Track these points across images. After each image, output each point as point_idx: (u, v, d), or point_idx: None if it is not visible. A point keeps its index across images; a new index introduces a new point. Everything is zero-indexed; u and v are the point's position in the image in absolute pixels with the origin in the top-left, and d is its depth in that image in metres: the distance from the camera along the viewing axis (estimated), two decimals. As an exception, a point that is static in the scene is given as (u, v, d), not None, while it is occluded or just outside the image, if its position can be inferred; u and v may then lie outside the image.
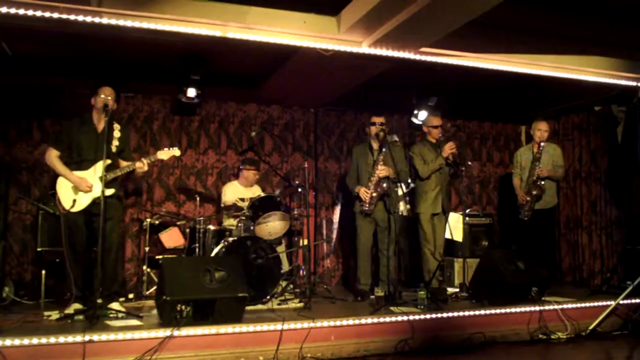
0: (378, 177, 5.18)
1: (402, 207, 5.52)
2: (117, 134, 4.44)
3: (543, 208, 5.62)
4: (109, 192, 4.27)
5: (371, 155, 5.39)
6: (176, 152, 4.60)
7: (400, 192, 5.15)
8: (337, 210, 6.74)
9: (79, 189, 4.29)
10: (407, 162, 5.47)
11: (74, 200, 4.27)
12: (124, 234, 6.06)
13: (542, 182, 5.52)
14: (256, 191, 5.72)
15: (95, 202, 4.27)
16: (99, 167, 4.25)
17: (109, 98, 4.35)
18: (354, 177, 5.45)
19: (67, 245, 4.30)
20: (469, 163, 5.46)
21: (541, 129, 5.69)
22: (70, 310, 4.16)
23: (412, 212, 5.80)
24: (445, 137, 5.56)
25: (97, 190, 4.23)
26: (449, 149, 5.41)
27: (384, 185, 5.17)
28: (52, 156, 4.37)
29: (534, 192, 5.52)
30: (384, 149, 5.18)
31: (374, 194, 5.22)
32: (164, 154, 4.54)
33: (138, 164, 4.39)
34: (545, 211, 5.67)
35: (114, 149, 4.41)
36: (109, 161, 4.27)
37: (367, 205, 5.24)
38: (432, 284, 5.21)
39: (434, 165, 5.42)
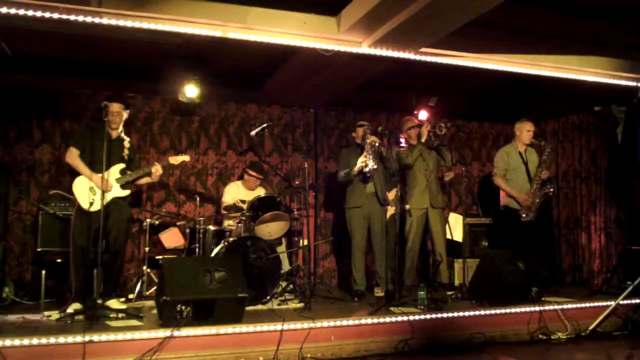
0: (370, 144, 5.19)
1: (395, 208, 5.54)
2: (127, 144, 4.67)
3: None
4: (125, 193, 4.60)
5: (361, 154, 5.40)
6: (186, 157, 4.94)
7: (393, 194, 5.15)
8: None
9: (99, 188, 4.42)
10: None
11: (92, 201, 4.44)
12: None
13: (549, 183, 5.51)
14: (259, 194, 5.69)
15: (112, 202, 4.48)
16: (113, 171, 4.54)
17: (118, 113, 4.58)
18: (346, 168, 5.42)
19: (75, 244, 4.41)
20: (442, 125, 5.41)
21: (530, 130, 5.66)
22: (70, 310, 4.18)
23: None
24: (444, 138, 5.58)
25: (114, 192, 4.53)
26: (425, 129, 5.44)
27: (377, 144, 5.18)
28: (74, 155, 4.55)
29: (545, 191, 5.50)
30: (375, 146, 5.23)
31: (371, 157, 5.20)
32: (175, 159, 4.86)
33: (154, 168, 4.69)
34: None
35: (125, 156, 4.64)
36: (122, 165, 4.60)
37: (368, 163, 5.19)
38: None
39: (415, 150, 5.47)
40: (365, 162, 5.20)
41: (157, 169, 4.70)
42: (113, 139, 4.57)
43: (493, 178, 5.78)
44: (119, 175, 4.57)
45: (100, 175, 4.39)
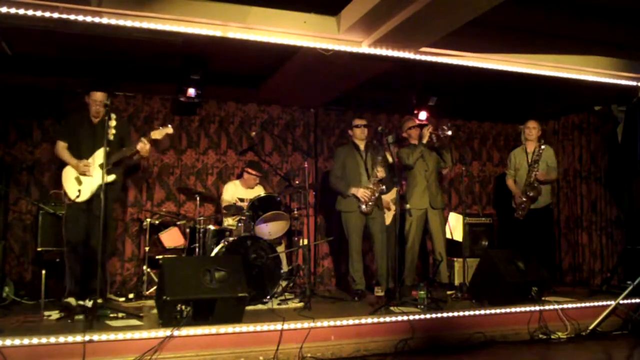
0: (378, 178, 5.21)
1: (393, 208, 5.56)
2: (112, 123, 4.39)
3: (536, 207, 5.67)
4: (110, 178, 4.40)
5: (360, 157, 5.43)
6: (169, 129, 4.64)
7: (393, 195, 5.17)
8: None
9: (79, 171, 4.40)
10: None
11: (79, 191, 4.38)
12: (124, 233, 6.10)
13: (538, 184, 5.55)
14: (258, 192, 5.70)
15: (97, 194, 4.34)
16: (97, 156, 4.41)
17: (100, 102, 4.47)
18: (339, 177, 5.45)
19: (67, 239, 4.39)
20: (449, 132, 5.44)
21: (529, 127, 5.77)
22: (70, 302, 4.20)
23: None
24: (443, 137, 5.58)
25: (99, 178, 4.32)
26: (427, 131, 5.46)
27: (383, 187, 5.21)
28: (60, 147, 4.53)
29: (531, 194, 5.55)
30: (385, 152, 5.21)
31: (374, 196, 5.25)
32: (158, 134, 4.59)
33: (139, 145, 4.47)
34: (540, 210, 5.70)
35: (111, 137, 4.36)
36: (107, 148, 4.29)
37: (366, 206, 5.26)
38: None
39: (417, 151, 5.49)
40: (366, 201, 5.25)
41: (142, 146, 4.47)
42: (96, 124, 4.49)
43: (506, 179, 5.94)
44: (103, 161, 4.37)
45: (82, 160, 4.37)
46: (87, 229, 4.46)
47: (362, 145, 5.49)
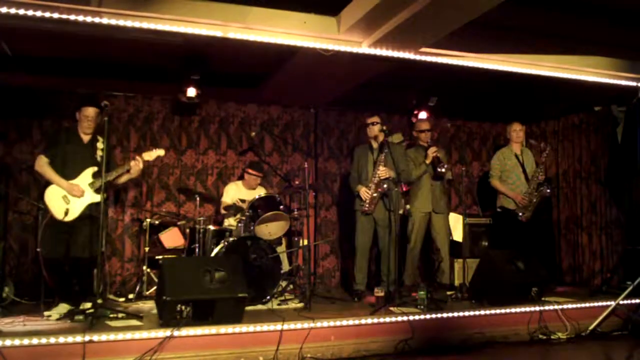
0: (379, 177, 5.21)
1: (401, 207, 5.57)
2: (100, 145, 4.45)
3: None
4: (101, 197, 4.28)
5: (371, 155, 5.42)
6: (161, 152, 4.66)
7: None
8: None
9: (71, 195, 4.32)
10: (406, 161, 5.50)
11: (67, 210, 4.30)
12: (123, 233, 6.11)
13: (545, 184, 5.54)
14: (259, 193, 5.69)
15: (87, 211, 4.34)
16: (84, 176, 4.38)
17: (92, 118, 4.45)
18: (355, 177, 5.49)
19: (44, 255, 4.34)
20: (446, 166, 5.52)
21: (516, 129, 5.77)
22: (56, 314, 4.16)
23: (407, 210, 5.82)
24: (443, 137, 5.58)
25: (89, 198, 4.36)
26: (431, 153, 5.48)
27: (385, 186, 5.20)
28: (43, 163, 4.37)
29: (542, 192, 5.54)
30: (385, 150, 5.21)
31: (375, 194, 5.24)
32: (149, 155, 4.59)
33: (133, 163, 4.46)
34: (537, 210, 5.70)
35: (98, 158, 4.42)
36: (95, 168, 4.39)
37: (367, 206, 5.26)
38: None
39: (418, 171, 5.52)
40: (366, 203, 5.27)
41: (135, 164, 4.45)
42: (85, 143, 4.46)
43: (490, 180, 5.85)
44: (91, 180, 4.38)
45: (71, 181, 4.31)
46: (67, 246, 4.34)
47: (375, 144, 5.48)
